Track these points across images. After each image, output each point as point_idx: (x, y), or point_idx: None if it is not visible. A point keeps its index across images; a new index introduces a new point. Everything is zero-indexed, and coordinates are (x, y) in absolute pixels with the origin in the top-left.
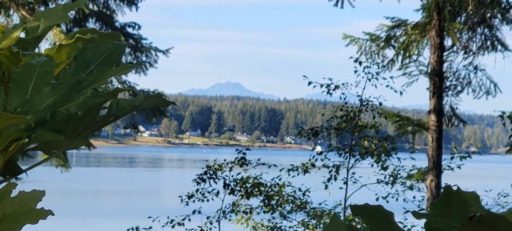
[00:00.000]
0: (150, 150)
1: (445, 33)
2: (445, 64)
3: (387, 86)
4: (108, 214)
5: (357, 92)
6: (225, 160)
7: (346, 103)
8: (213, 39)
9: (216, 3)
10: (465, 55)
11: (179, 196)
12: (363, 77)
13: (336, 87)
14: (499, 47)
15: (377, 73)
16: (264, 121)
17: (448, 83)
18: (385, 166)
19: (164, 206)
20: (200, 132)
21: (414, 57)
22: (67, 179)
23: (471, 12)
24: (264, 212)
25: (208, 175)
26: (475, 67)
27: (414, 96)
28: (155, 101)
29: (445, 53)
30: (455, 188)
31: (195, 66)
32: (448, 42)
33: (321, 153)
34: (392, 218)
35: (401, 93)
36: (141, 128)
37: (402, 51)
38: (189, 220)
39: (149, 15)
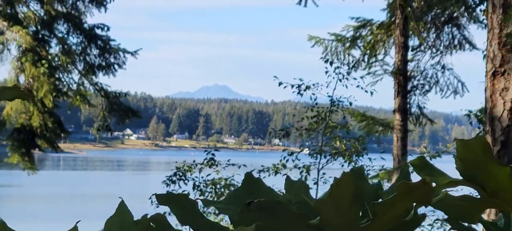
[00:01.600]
0: (137, 153)
1: (410, 32)
2: (413, 64)
3: (357, 86)
4: (84, 217)
5: (328, 93)
6: (194, 161)
7: (316, 104)
8: (201, 42)
9: (204, 5)
10: (433, 55)
11: (149, 198)
12: (333, 78)
13: (307, 88)
14: (467, 46)
15: (348, 74)
16: (251, 123)
17: (415, 83)
18: (356, 166)
19: (140, 208)
20: (187, 134)
21: (381, 56)
22: (53, 183)
23: (439, 10)
24: None
25: (178, 177)
26: (443, 67)
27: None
28: (11, 94)
29: (412, 53)
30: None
31: (182, 69)
32: (415, 41)
33: (291, 153)
34: (196, 206)
35: (371, 93)
36: (128, 131)
37: (368, 51)
38: None
39: (134, 18)
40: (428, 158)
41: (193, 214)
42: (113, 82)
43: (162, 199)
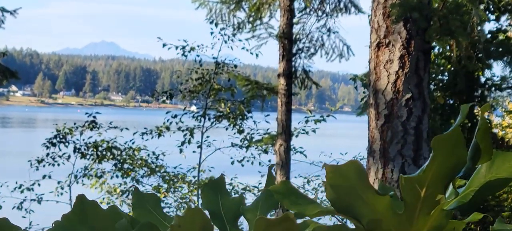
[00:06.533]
0: (23, 110)
1: None
2: (298, 26)
3: (243, 48)
4: None
5: (212, 55)
6: (75, 124)
7: (201, 65)
8: None
9: None
10: (318, 17)
11: (29, 161)
12: (218, 39)
13: (192, 49)
14: (353, 9)
15: (233, 35)
16: (139, 80)
17: (301, 46)
18: (240, 129)
19: (17, 169)
20: (74, 91)
21: (266, 19)
22: None
23: None
24: (117, 176)
25: (58, 139)
26: (328, 30)
27: None
28: None
29: (298, 15)
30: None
31: (70, 26)
32: (302, 4)
33: (175, 116)
34: None
35: (257, 55)
36: (14, 88)
37: (253, 13)
38: (39, 185)
39: None
40: (313, 122)
41: None
42: None
43: None
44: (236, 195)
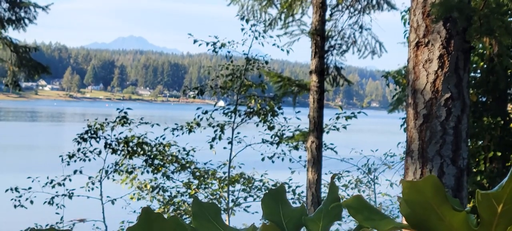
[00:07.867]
0: (51, 104)
1: None
2: (330, 23)
3: (273, 45)
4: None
5: (243, 51)
6: (106, 119)
7: (232, 61)
8: None
9: None
10: (351, 14)
11: (60, 156)
12: (249, 36)
13: (223, 45)
14: (385, 6)
15: (264, 32)
16: (167, 75)
17: (333, 42)
18: (271, 125)
19: (48, 163)
20: (102, 86)
21: (298, 16)
22: None
23: None
24: (148, 172)
25: (89, 135)
26: (361, 26)
27: None
28: None
29: (330, 12)
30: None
31: (98, 20)
32: (333, 0)
33: (206, 112)
34: None
35: (287, 52)
36: (42, 82)
37: (285, 10)
38: (70, 180)
39: None
40: (343, 118)
41: None
42: (26, 33)
43: None
44: (298, 205)
